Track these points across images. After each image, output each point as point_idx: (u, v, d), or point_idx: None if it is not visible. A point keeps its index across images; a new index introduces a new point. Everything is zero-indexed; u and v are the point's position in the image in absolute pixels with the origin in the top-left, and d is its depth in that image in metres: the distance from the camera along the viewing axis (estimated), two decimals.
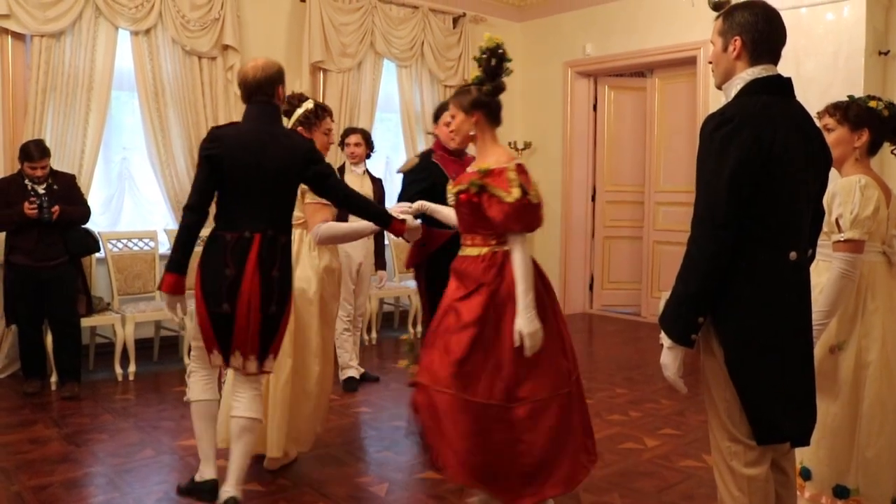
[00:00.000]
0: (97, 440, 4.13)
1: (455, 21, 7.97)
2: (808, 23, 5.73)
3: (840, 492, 2.67)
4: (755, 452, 2.11)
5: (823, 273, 2.65)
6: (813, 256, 2.32)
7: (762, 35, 2.10)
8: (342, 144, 5.41)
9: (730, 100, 2.13)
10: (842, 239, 2.60)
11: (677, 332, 2.09)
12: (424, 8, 7.62)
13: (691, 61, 7.17)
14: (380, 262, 5.62)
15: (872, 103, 2.74)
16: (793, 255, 2.08)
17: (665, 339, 2.12)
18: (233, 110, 6.32)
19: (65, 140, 5.57)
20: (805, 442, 2.16)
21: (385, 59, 7.41)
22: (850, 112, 2.75)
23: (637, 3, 7.54)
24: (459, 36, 7.95)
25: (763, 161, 2.00)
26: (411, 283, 7.26)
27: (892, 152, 2.90)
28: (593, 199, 8.49)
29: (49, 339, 5.05)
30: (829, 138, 2.58)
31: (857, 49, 5.59)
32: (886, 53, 5.81)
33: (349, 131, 5.40)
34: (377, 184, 5.45)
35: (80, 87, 5.62)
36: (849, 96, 2.84)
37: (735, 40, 2.12)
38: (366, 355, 6.12)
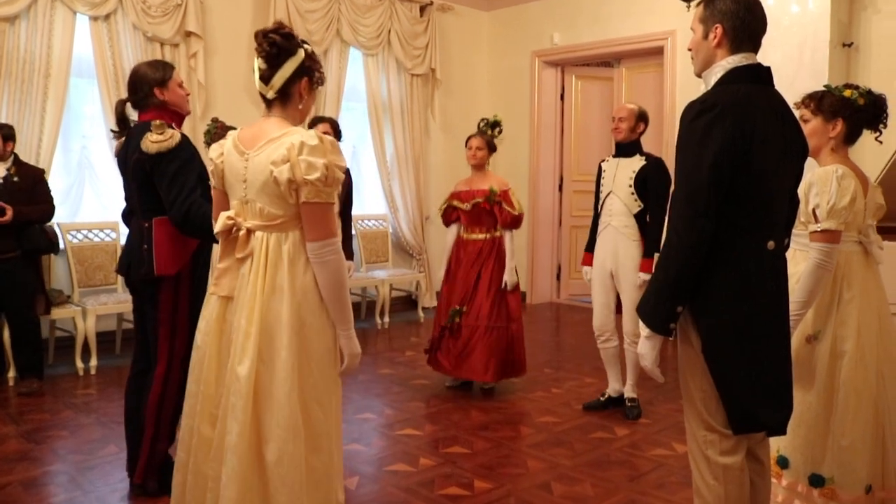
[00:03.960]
0: (57, 437, 4.02)
1: (422, 9, 7.90)
2: (774, 14, 5.75)
3: (815, 480, 2.68)
4: (731, 441, 2.11)
5: (800, 263, 2.66)
6: (788, 245, 2.32)
7: (743, 23, 2.09)
8: None
9: (709, 87, 2.11)
10: (818, 229, 2.61)
11: (656, 322, 2.08)
12: None
13: (658, 51, 7.19)
14: (347, 252, 5.51)
15: (847, 92, 2.74)
16: (771, 244, 2.08)
17: (643, 329, 2.10)
18: (196, 98, 6.18)
19: (21, 128, 5.37)
20: (781, 431, 2.16)
21: (351, 48, 7.31)
22: (825, 102, 2.76)
23: None
24: (427, 24, 7.88)
25: (744, 150, 1.99)
26: (379, 273, 7.22)
27: (876, 139, 2.87)
28: (560, 188, 8.50)
29: (6, 334, 4.91)
30: (805, 129, 2.58)
31: (822, 41, 5.65)
32: (850, 45, 5.88)
33: (316, 120, 5.28)
34: (345, 174, 5.36)
35: (37, 73, 5.44)
36: (825, 86, 2.84)
37: (716, 28, 2.11)
38: None
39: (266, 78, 2.32)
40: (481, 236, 4.91)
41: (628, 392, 4.47)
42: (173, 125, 3.10)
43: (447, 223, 5.11)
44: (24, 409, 4.47)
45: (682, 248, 2.00)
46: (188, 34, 6.13)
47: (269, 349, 2.21)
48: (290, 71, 2.32)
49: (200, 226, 2.93)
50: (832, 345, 2.69)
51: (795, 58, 5.65)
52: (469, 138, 5.03)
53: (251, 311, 2.23)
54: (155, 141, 2.96)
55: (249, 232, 2.30)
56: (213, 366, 2.35)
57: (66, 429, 4.15)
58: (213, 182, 2.45)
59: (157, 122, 3.01)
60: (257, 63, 2.33)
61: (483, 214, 4.88)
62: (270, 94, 2.34)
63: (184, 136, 3.06)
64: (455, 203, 4.99)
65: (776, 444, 2.66)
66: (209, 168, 2.45)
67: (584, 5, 7.73)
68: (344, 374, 2.41)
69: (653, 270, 4.20)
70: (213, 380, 2.35)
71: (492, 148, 5.01)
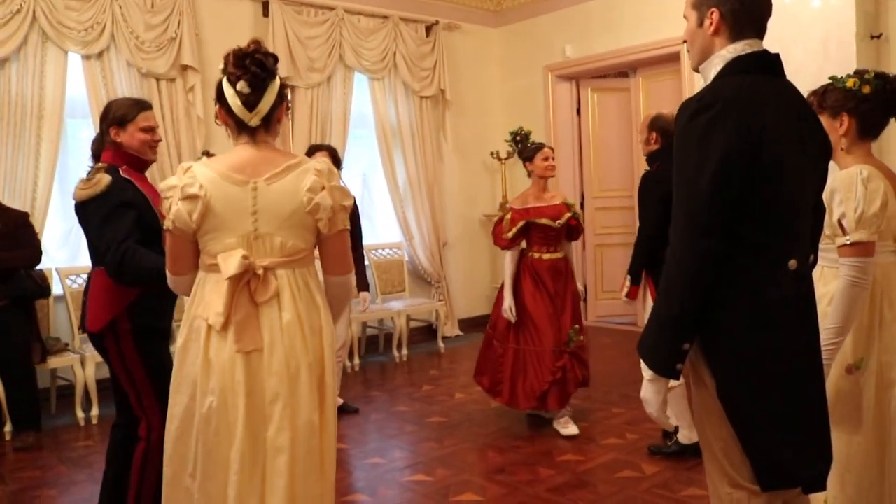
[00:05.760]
0: (45, 497, 3.78)
1: (428, 29, 7.67)
2: (793, 10, 5.44)
3: None
4: (761, 499, 1.77)
5: (831, 282, 2.29)
6: (815, 262, 1.97)
7: (742, 4, 1.77)
8: None
9: (709, 82, 1.80)
10: (847, 242, 2.23)
11: (659, 362, 1.75)
12: (395, 17, 7.32)
13: (675, 58, 6.85)
14: (362, 284, 5.20)
15: (850, 82, 2.36)
16: (793, 263, 1.74)
17: (646, 371, 1.78)
18: (196, 133, 6.01)
19: (15, 173, 5.25)
20: (820, 486, 1.80)
21: (356, 73, 7.10)
22: (828, 98, 2.40)
23: (615, 0, 7.25)
24: (433, 44, 7.65)
25: (753, 152, 1.66)
26: (395, 305, 6.93)
27: None
28: (582, 206, 8.15)
29: (0, 386, 4.71)
30: None
31: (848, 34, 5.30)
32: (879, 37, 5.50)
33: (314, 149, 5.05)
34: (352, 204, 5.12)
35: (30, 115, 5.30)
36: (830, 78, 2.48)
37: (712, 13, 1.80)
38: (348, 383, 5.79)
39: (252, 104, 2.08)
40: (559, 255, 4.69)
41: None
42: (120, 169, 2.78)
43: (512, 247, 4.66)
44: (18, 466, 4.25)
45: (683, 274, 1.68)
46: (184, 68, 5.96)
47: (321, 394, 2.13)
48: (274, 95, 2.11)
49: (136, 275, 2.62)
50: (878, 374, 2.31)
51: (819, 53, 5.29)
52: (542, 149, 4.72)
53: (308, 359, 2.08)
54: (81, 188, 2.71)
55: (267, 271, 2.05)
56: (246, 437, 2.00)
57: (57, 487, 3.92)
58: (186, 220, 2.04)
59: (100, 164, 2.77)
60: (239, 86, 2.06)
61: (560, 231, 4.68)
62: (255, 121, 2.11)
63: (114, 179, 2.71)
64: (543, 221, 4.57)
65: (823, 494, 2.28)
66: (182, 208, 2.05)
67: (595, 15, 7.44)
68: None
69: (636, 297, 3.89)
70: (249, 454, 2.01)
71: None
